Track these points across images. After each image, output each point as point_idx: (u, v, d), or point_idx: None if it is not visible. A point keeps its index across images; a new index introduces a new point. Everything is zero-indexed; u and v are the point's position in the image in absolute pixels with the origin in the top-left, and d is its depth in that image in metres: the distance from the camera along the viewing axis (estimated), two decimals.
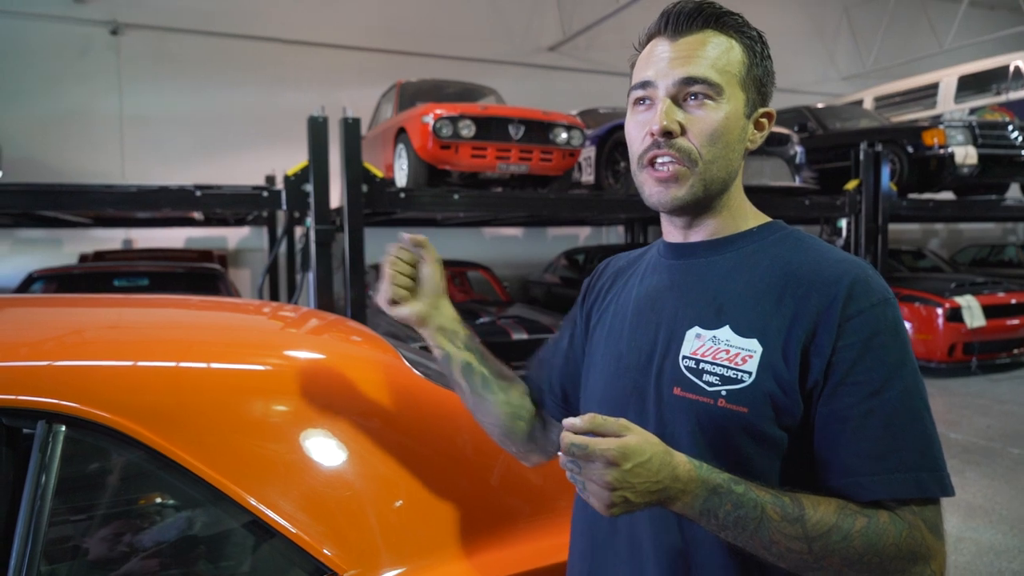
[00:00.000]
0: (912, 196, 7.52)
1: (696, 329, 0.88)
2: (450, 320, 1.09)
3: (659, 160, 0.88)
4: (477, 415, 1.12)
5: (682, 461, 0.76)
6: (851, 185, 6.87)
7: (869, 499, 0.78)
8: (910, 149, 7.25)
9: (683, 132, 0.86)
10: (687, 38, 0.87)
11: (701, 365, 0.85)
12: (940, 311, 6.92)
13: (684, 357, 0.87)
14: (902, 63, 12.56)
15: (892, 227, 7.32)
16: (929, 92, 9.29)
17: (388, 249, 1.08)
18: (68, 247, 8.47)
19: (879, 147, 6.83)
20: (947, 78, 9.16)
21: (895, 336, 0.81)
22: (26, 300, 1.70)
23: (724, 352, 0.84)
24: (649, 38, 0.92)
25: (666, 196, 0.89)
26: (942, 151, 7.05)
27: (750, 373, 0.82)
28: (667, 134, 0.86)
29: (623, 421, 0.75)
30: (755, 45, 0.89)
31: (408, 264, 1.07)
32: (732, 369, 0.83)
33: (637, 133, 0.90)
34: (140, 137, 8.83)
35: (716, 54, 0.86)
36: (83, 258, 7.46)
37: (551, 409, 1.13)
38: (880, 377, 0.79)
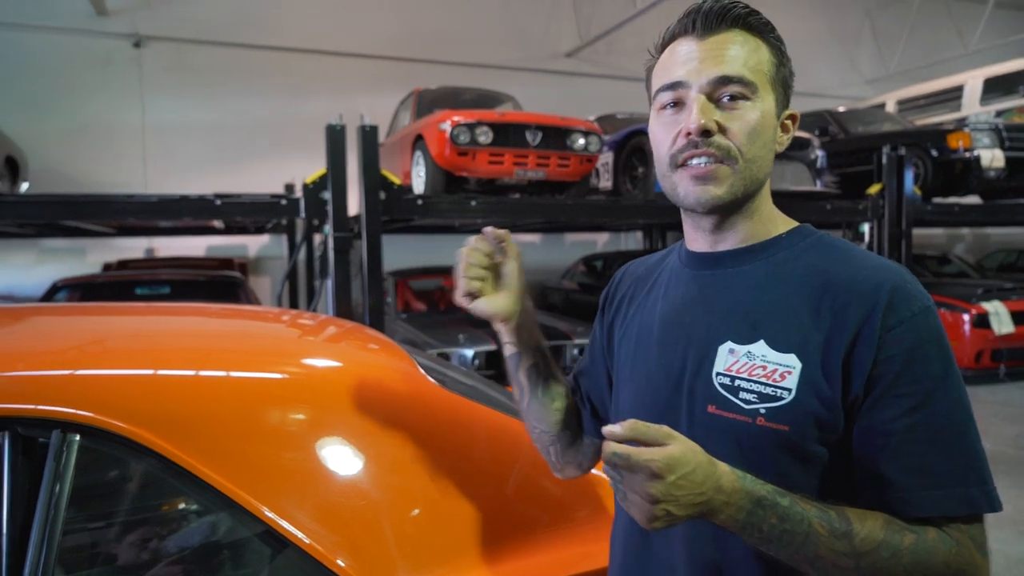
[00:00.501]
0: (937, 200, 7.39)
1: (729, 344, 0.84)
2: (530, 321, 1.05)
3: (695, 160, 0.84)
4: (529, 418, 1.10)
5: (726, 471, 0.73)
6: (874, 189, 6.78)
7: (916, 516, 0.75)
8: (934, 152, 7.13)
9: (721, 130, 0.83)
10: (715, 37, 0.84)
11: (736, 382, 0.82)
12: (967, 317, 6.79)
13: (718, 374, 0.84)
14: (926, 65, 12.38)
15: (916, 232, 7.20)
16: (954, 95, 9.14)
17: (467, 242, 1.03)
18: (92, 256, 8.59)
19: (902, 151, 6.73)
20: (972, 80, 9.01)
21: (938, 346, 0.78)
22: (43, 309, 1.71)
23: (761, 368, 0.81)
24: (671, 39, 0.88)
25: (705, 195, 0.84)
26: (968, 154, 6.92)
27: (790, 390, 0.79)
28: (705, 133, 0.82)
29: (665, 429, 0.72)
30: (780, 45, 0.87)
31: (486, 256, 1.01)
32: (770, 386, 0.80)
33: (666, 136, 0.86)
34: (162, 148, 8.94)
35: (746, 54, 0.83)
36: (107, 267, 7.56)
37: (584, 422, 1.11)
38: (924, 389, 0.76)
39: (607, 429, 0.72)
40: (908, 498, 0.75)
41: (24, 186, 6.63)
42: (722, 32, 0.84)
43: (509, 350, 1.06)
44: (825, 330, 0.79)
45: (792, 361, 0.79)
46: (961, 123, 7.57)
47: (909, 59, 12.88)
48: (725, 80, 0.82)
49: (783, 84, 0.87)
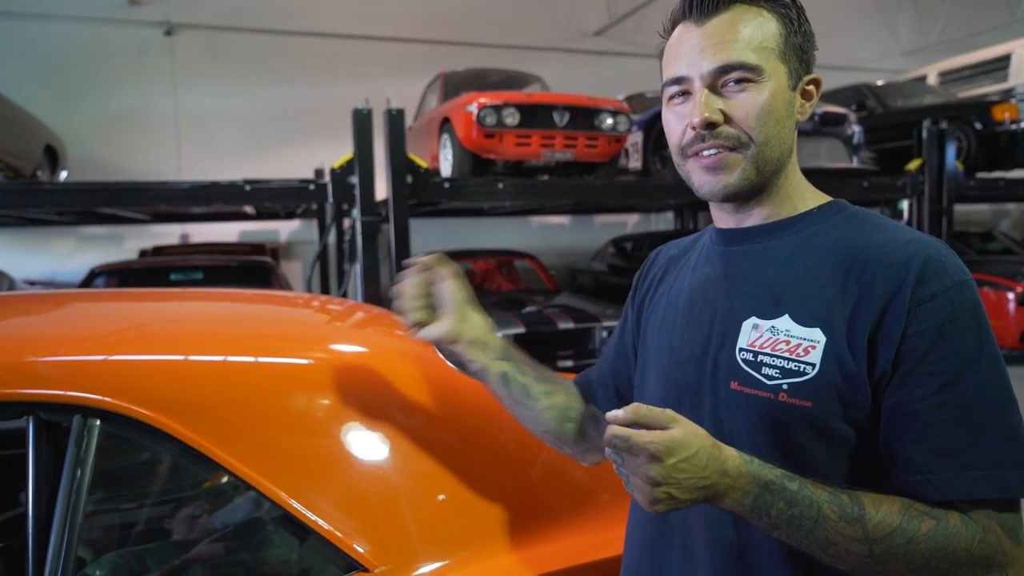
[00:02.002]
0: (980, 175, 7.14)
1: (753, 319, 0.82)
2: (480, 331, 1.05)
3: (705, 152, 0.83)
4: (523, 423, 1.10)
5: (731, 455, 0.72)
6: (913, 165, 6.57)
7: (941, 499, 0.72)
8: (978, 125, 6.88)
9: (727, 120, 0.81)
10: (715, 19, 0.81)
11: (760, 357, 0.80)
12: (1011, 295, 6.58)
13: (741, 349, 0.82)
14: (970, 35, 11.90)
15: (958, 208, 6.99)
16: (1000, 64, 8.76)
17: (401, 276, 1.05)
18: (129, 243, 8.79)
19: (944, 124, 6.51)
20: (1021, 48, 8.62)
21: (972, 321, 0.74)
22: (72, 296, 1.74)
23: (784, 343, 0.79)
24: (674, 24, 0.86)
25: (717, 185, 0.83)
26: (1014, 126, 6.67)
27: (813, 365, 0.77)
28: (710, 125, 0.81)
29: (670, 412, 0.72)
30: (789, 12, 0.83)
31: (420, 286, 1.04)
32: (794, 361, 0.78)
33: (677, 126, 0.86)
34: (195, 135, 9.08)
35: (749, 32, 0.80)
36: (143, 253, 7.72)
37: (603, 405, 1.09)
38: (954, 367, 0.72)
39: (611, 414, 0.71)
40: (933, 480, 0.72)
41: (63, 175, 6.79)
42: (720, 13, 0.81)
43: (473, 367, 1.06)
44: (851, 303, 0.76)
45: (816, 335, 0.77)
46: (1007, 94, 7.27)
47: (952, 28, 12.40)
48: (726, 68, 0.80)
49: (797, 52, 0.83)
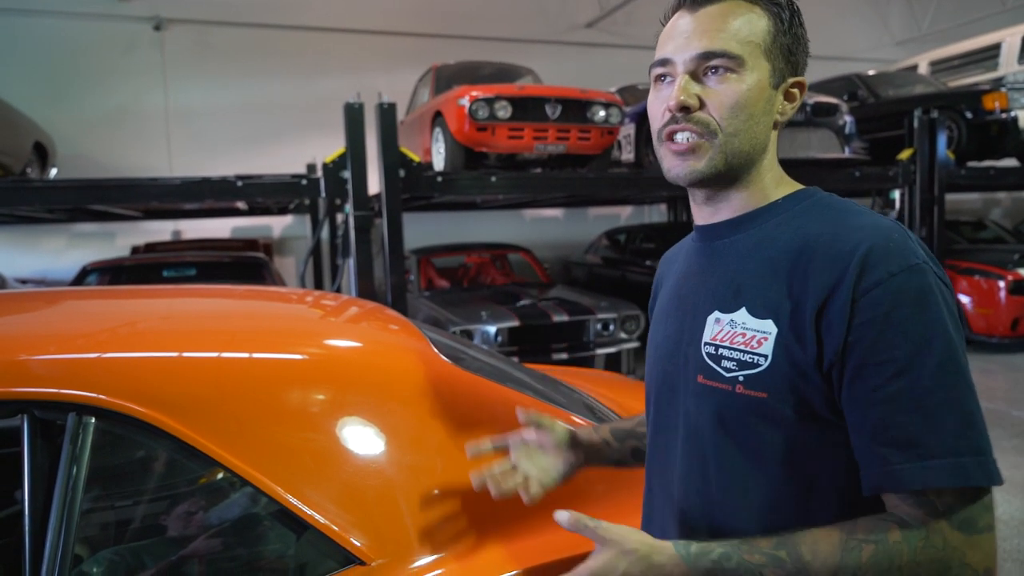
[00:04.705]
0: (971, 164, 7.16)
1: (716, 313, 0.85)
2: (588, 448, 1.11)
3: (677, 135, 0.85)
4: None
5: (669, 554, 0.76)
6: (905, 155, 6.58)
7: (907, 490, 0.72)
8: (969, 115, 6.89)
9: (702, 106, 0.83)
10: (708, 8, 0.84)
11: (720, 351, 0.83)
12: (1002, 284, 6.61)
13: (705, 343, 0.85)
14: (961, 24, 11.91)
15: (950, 197, 6.99)
16: (990, 53, 8.78)
17: (478, 478, 1.02)
18: (121, 240, 8.74)
19: (935, 113, 6.52)
20: (1011, 38, 8.63)
21: (920, 306, 0.72)
22: (65, 294, 1.73)
23: (741, 335, 0.81)
24: (674, 11, 0.88)
25: (684, 168, 0.85)
26: (1004, 115, 6.68)
27: (766, 356, 0.78)
28: (684, 109, 0.83)
29: (601, 532, 0.77)
30: (782, 12, 0.84)
31: (506, 465, 1.06)
32: (748, 353, 0.80)
33: (657, 109, 0.88)
34: (186, 131, 9.02)
35: (738, 25, 0.82)
36: (135, 250, 7.68)
37: None
38: (905, 354, 0.71)
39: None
40: (898, 473, 0.72)
41: (53, 172, 6.74)
42: (714, 3, 0.83)
43: (598, 461, 1.13)
44: (796, 293, 0.77)
45: (768, 327, 0.79)
46: (998, 83, 7.29)
47: (943, 18, 12.42)
48: (708, 55, 0.82)
49: (784, 52, 0.85)
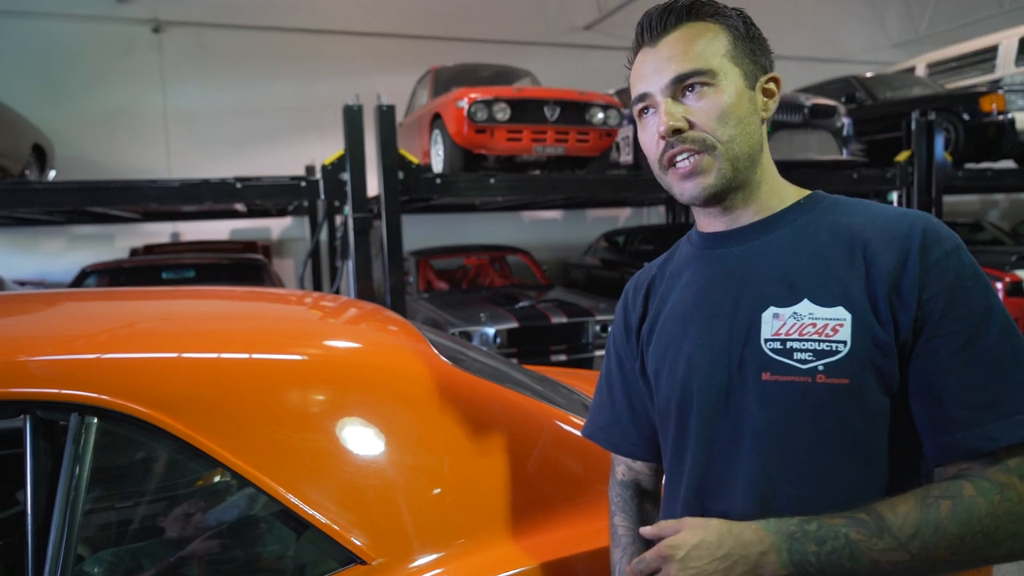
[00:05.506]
0: (969, 166, 7.18)
1: (772, 309, 0.85)
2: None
3: (678, 158, 0.88)
4: None
5: (747, 526, 0.78)
6: (902, 156, 6.60)
7: (993, 448, 0.75)
8: (966, 116, 6.91)
9: (692, 126, 0.86)
10: (666, 39, 0.88)
11: (788, 344, 0.83)
12: (1000, 285, 6.61)
13: (767, 340, 0.85)
14: (958, 26, 11.95)
15: (947, 199, 7.01)
16: (987, 56, 8.81)
17: None
18: (120, 242, 8.73)
19: (932, 115, 6.53)
20: (1007, 40, 8.66)
21: (976, 279, 0.79)
22: (66, 295, 1.74)
23: (811, 326, 0.82)
24: (635, 53, 0.93)
25: (696, 188, 0.88)
26: (1001, 117, 6.70)
27: (845, 342, 0.80)
28: (676, 132, 0.86)
29: (682, 521, 0.80)
30: (735, 22, 0.89)
31: None
32: (825, 341, 0.81)
33: (650, 140, 0.91)
34: (185, 133, 9.01)
35: (701, 44, 0.87)
36: (134, 252, 7.68)
37: (645, 454, 1.08)
38: (972, 324, 0.77)
39: (631, 568, 0.81)
40: (980, 433, 0.75)
41: (52, 174, 6.74)
42: (670, 32, 0.88)
43: None
44: (863, 278, 0.81)
45: (841, 313, 0.81)
46: (995, 85, 7.31)
47: (940, 20, 12.45)
48: (682, 77, 0.86)
49: (749, 55, 0.89)
